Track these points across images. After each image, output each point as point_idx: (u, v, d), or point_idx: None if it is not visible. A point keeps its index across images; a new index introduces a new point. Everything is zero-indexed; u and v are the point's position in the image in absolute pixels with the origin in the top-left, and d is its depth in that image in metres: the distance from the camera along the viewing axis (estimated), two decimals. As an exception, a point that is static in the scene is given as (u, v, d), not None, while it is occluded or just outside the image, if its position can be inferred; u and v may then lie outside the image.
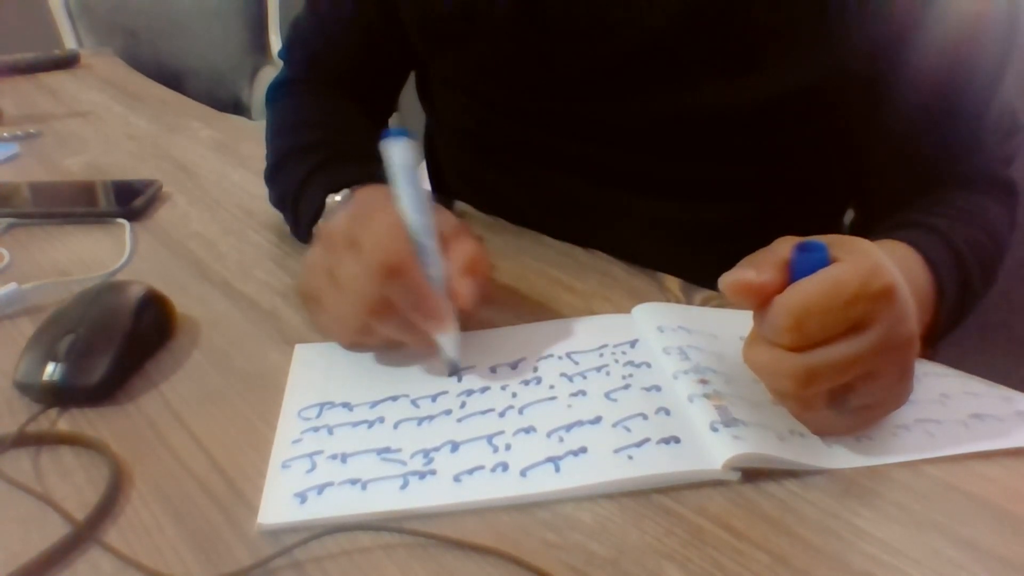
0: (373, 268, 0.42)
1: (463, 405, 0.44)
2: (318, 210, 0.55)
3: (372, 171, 0.49)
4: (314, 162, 0.59)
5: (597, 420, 0.42)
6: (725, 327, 0.50)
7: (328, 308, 0.46)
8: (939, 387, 0.46)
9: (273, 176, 0.66)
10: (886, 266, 0.37)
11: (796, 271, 0.38)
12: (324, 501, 0.37)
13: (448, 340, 0.45)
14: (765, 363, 0.39)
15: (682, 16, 0.56)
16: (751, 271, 0.38)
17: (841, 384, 0.38)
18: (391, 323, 0.44)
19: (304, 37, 0.75)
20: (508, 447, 0.40)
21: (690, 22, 0.56)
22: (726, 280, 0.39)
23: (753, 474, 0.39)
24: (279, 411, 0.44)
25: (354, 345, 0.48)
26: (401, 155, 0.46)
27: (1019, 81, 0.61)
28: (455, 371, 0.47)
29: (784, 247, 0.39)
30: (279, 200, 0.64)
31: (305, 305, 0.50)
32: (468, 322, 0.48)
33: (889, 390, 0.39)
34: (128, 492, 0.39)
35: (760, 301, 0.38)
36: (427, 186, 0.46)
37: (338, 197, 0.53)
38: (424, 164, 0.46)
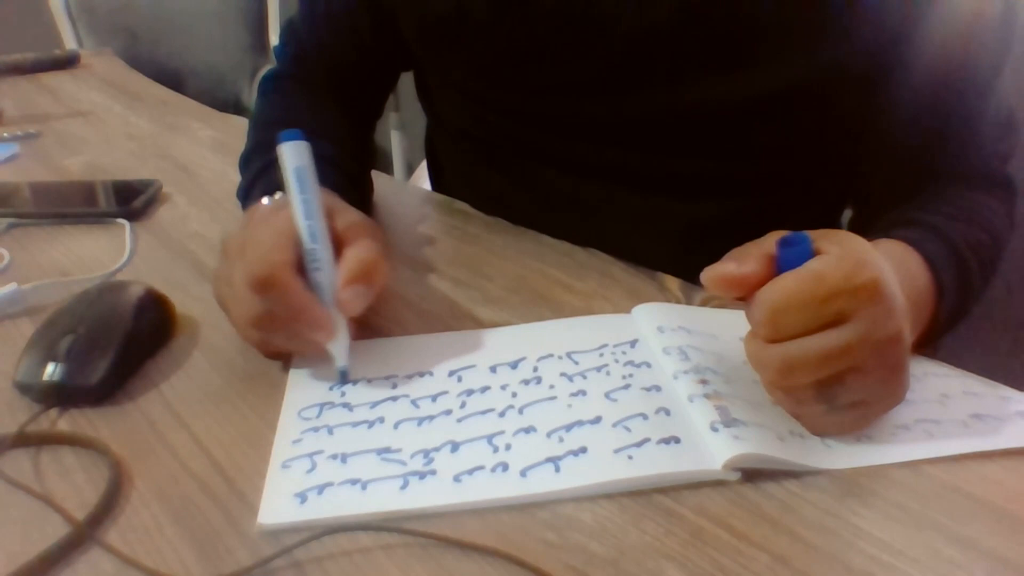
0: (247, 281, 0.43)
1: (463, 405, 0.44)
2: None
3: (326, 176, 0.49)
4: (263, 163, 0.60)
5: (597, 420, 0.42)
6: (725, 327, 0.50)
7: (229, 316, 0.48)
8: (939, 387, 0.46)
9: (241, 168, 0.66)
10: (872, 261, 0.38)
11: (781, 264, 0.39)
12: (324, 501, 0.37)
13: (336, 348, 0.45)
14: (751, 353, 0.40)
15: (678, 12, 0.56)
16: (731, 264, 0.39)
17: (828, 378, 0.38)
18: (278, 334, 0.45)
19: (297, 34, 0.75)
20: (508, 447, 0.40)
21: (685, 18, 0.56)
22: (707, 273, 0.40)
23: (753, 474, 0.39)
24: (279, 411, 0.44)
25: (262, 350, 0.48)
26: (293, 157, 0.45)
27: (1016, 78, 0.61)
28: (344, 380, 0.46)
29: (770, 241, 0.40)
30: (242, 191, 0.64)
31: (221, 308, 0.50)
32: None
33: (879, 386, 0.39)
34: (128, 492, 0.39)
35: (745, 293, 0.39)
36: (317, 188, 0.46)
37: (265, 200, 0.51)
38: (313, 166, 0.46)
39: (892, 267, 0.39)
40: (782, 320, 0.37)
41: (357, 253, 0.45)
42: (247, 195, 0.61)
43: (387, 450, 0.41)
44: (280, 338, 0.46)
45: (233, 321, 0.47)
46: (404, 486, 0.38)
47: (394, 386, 0.46)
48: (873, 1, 0.54)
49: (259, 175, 0.60)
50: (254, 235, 0.45)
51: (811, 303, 0.37)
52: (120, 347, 0.46)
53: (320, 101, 0.72)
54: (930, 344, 0.53)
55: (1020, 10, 0.57)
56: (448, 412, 0.43)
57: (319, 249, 0.45)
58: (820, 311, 0.37)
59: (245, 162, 0.66)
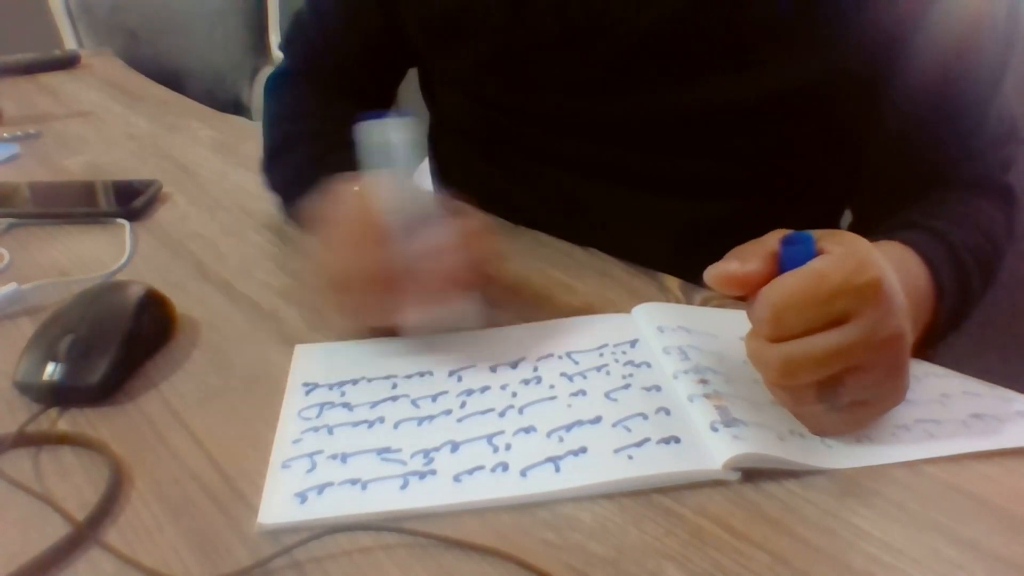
0: (358, 249, 0.44)
1: (463, 405, 0.44)
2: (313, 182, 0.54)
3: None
4: (325, 145, 0.61)
5: (597, 420, 0.42)
6: (725, 327, 0.50)
7: (334, 294, 0.48)
8: (939, 387, 0.46)
9: (275, 160, 0.66)
10: (874, 261, 0.38)
11: (784, 263, 0.39)
12: (324, 501, 0.37)
13: (467, 303, 0.48)
14: (752, 351, 0.40)
15: (679, 13, 0.56)
16: (734, 263, 0.39)
17: (829, 377, 0.38)
18: (385, 302, 0.46)
19: (304, 31, 0.75)
20: (508, 447, 0.40)
21: (687, 19, 0.56)
22: (710, 272, 0.40)
23: (753, 474, 0.39)
24: (279, 411, 0.44)
25: (368, 329, 0.49)
26: (396, 132, 0.46)
27: (1018, 86, 0.61)
28: (474, 326, 0.49)
29: (773, 239, 0.40)
30: (282, 183, 0.65)
31: (328, 298, 0.51)
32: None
33: (880, 385, 0.39)
34: (128, 492, 0.39)
35: (747, 292, 0.39)
36: (413, 165, 0.48)
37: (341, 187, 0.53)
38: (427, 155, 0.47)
39: (892, 267, 0.39)
40: (785, 319, 0.37)
41: (470, 221, 0.48)
42: (307, 179, 0.59)
43: (387, 450, 0.41)
44: (382, 308, 0.46)
45: (338, 299, 0.48)
46: (404, 486, 0.38)
47: (394, 386, 0.46)
48: (874, 4, 0.54)
49: (326, 154, 0.60)
50: (346, 213, 0.46)
51: (814, 302, 0.37)
52: (120, 347, 0.46)
53: (333, 97, 0.72)
54: (929, 346, 0.53)
55: (1023, 17, 0.57)
56: (448, 412, 0.43)
57: (419, 223, 0.46)
58: (823, 310, 0.37)
59: (282, 152, 0.66)
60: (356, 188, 0.48)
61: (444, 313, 0.48)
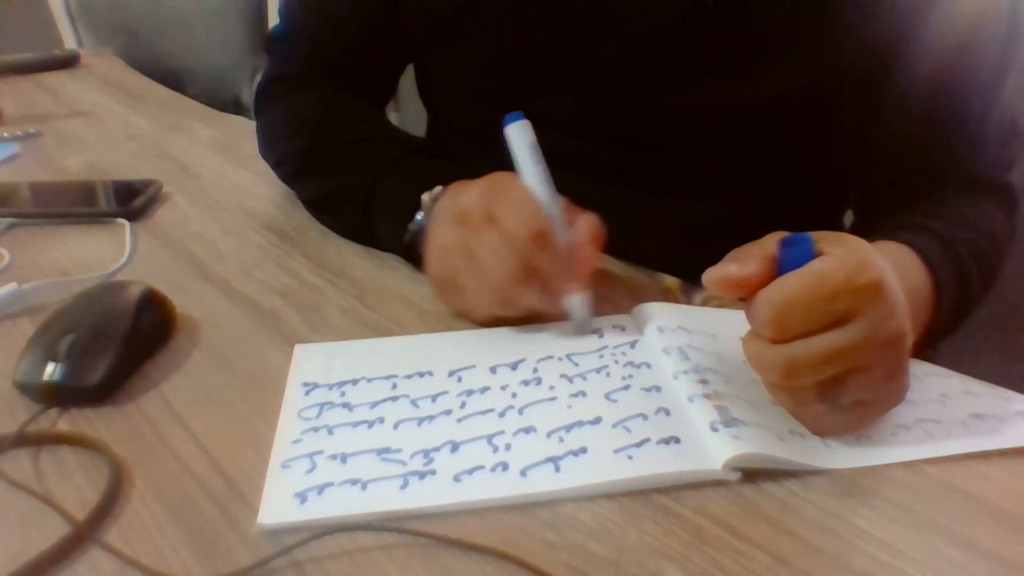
0: (521, 238, 0.45)
1: (463, 405, 0.44)
2: (412, 207, 0.56)
3: (444, 167, 0.55)
4: (383, 160, 0.61)
5: (597, 420, 0.42)
6: (725, 327, 0.50)
7: (468, 285, 0.49)
8: (939, 387, 0.46)
9: (311, 170, 0.66)
10: (874, 261, 0.38)
11: (783, 265, 0.38)
12: (324, 501, 0.37)
13: (581, 301, 0.49)
14: (752, 354, 0.40)
15: (684, 15, 0.56)
16: (733, 265, 0.39)
17: (830, 378, 0.38)
18: (533, 291, 0.47)
19: (302, 25, 0.74)
20: (508, 447, 0.40)
21: (692, 21, 0.56)
22: (709, 275, 0.40)
23: (753, 474, 0.39)
24: (279, 411, 0.44)
25: (491, 321, 0.51)
26: (523, 135, 0.50)
27: (1020, 86, 0.61)
28: (586, 329, 0.50)
29: (771, 241, 0.40)
30: (330, 195, 0.65)
31: (438, 289, 0.52)
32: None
33: (881, 386, 0.39)
34: (128, 492, 0.39)
35: (746, 294, 0.39)
36: (544, 162, 0.51)
37: (428, 196, 0.55)
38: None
39: (891, 267, 0.39)
40: (786, 320, 0.37)
41: (587, 218, 0.49)
42: (374, 194, 0.60)
43: (387, 450, 0.41)
44: (533, 296, 0.47)
45: (473, 289, 0.49)
46: (404, 486, 0.38)
47: (394, 386, 0.46)
48: (878, 7, 0.54)
49: (393, 165, 0.60)
50: (506, 201, 0.47)
51: (815, 303, 0.37)
52: (120, 347, 0.46)
53: (342, 97, 0.72)
54: (929, 346, 0.53)
55: (1023, 19, 0.57)
56: (448, 412, 0.43)
57: (557, 214, 0.49)
58: (824, 311, 0.37)
59: (315, 163, 0.67)
60: (517, 185, 0.49)
61: (575, 304, 0.50)
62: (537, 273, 0.46)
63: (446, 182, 0.55)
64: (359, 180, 0.61)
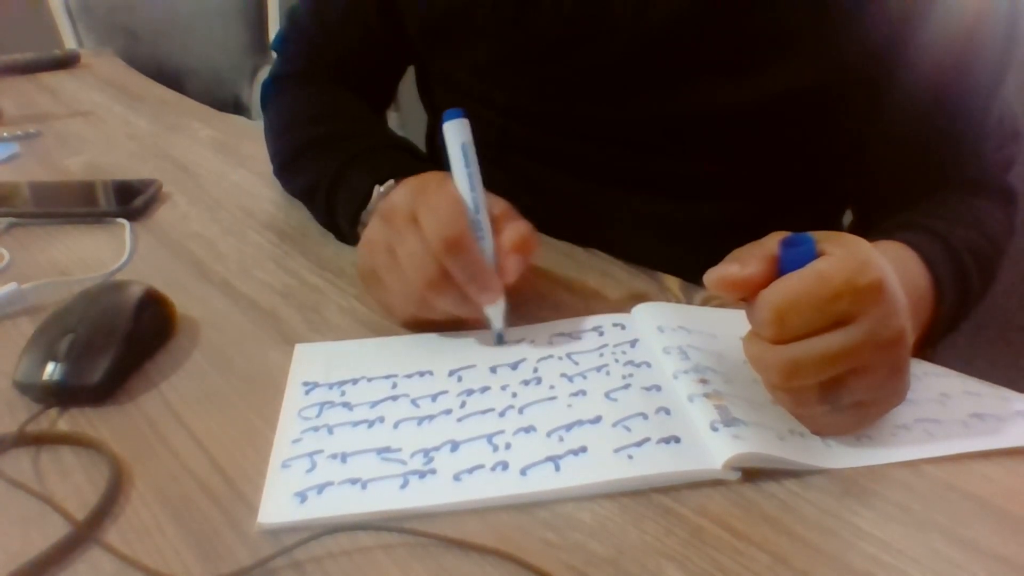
0: (435, 242, 0.44)
1: (463, 405, 0.44)
2: (363, 199, 0.56)
3: (409, 162, 0.54)
4: (351, 151, 0.61)
5: (597, 420, 0.42)
6: (725, 327, 0.50)
7: (388, 284, 0.48)
8: (939, 387, 0.46)
9: (292, 166, 0.67)
10: (875, 262, 0.38)
11: (784, 265, 0.38)
12: (324, 501, 0.37)
13: (496, 312, 0.48)
14: (753, 354, 0.39)
15: (682, 15, 0.56)
16: (734, 266, 0.39)
17: (831, 378, 0.38)
18: (448, 296, 0.46)
19: (303, 29, 0.75)
20: (508, 446, 0.40)
21: (690, 21, 0.56)
22: (710, 275, 0.39)
23: (753, 474, 0.39)
24: (279, 411, 0.44)
25: (410, 322, 0.50)
26: (458, 134, 0.48)
27: (1019, 86, 0.61)
28: (500, 341, 0.49)
29: (772, 241, 0.40)
30: (305, 189, 0.66)
31: (364, 283, 0.52)
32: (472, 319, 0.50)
33: (882, 386, 0.39)
34: (128, 492, 0.39)
35: (747, 294, 0.39)
36: (477, 164, 0.50)
37: (381, 188, 0.55)
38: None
39: (891, 267, 0.39)
40: (787, 321, 0.37)
41: (516, 226, 0.49)
42: (336, 186, 0.61)
43: (387, 449, 0.41)
44: (448, 302, 0.47)
45: (388, 287, 0.48)
46: (404, 485, 0.38)
47: (394, 385, 0.46)
48: (877, 7, 0.54)
49: (353, 160, 0.60)
50: (429, 203, 0.46)
51: (817, 304, 0.37)
52: (120, 347, 0.46)
53: (341, 93, 0.73)
54: (929, 346, 0.53)
55: (1023, 18, 0.57)
56: (448, 412, 0.43)
57: (482, 220, 0.48)
58: (825, 312, 0.37)
59: (299, 157, 0.67)
60: (444, 186, 0.48)
61: (491, 314, 0.49)
62: (451, 280, 0.46)
63: (405, 175, 0.54)
64: (325, 173, 0.62)
